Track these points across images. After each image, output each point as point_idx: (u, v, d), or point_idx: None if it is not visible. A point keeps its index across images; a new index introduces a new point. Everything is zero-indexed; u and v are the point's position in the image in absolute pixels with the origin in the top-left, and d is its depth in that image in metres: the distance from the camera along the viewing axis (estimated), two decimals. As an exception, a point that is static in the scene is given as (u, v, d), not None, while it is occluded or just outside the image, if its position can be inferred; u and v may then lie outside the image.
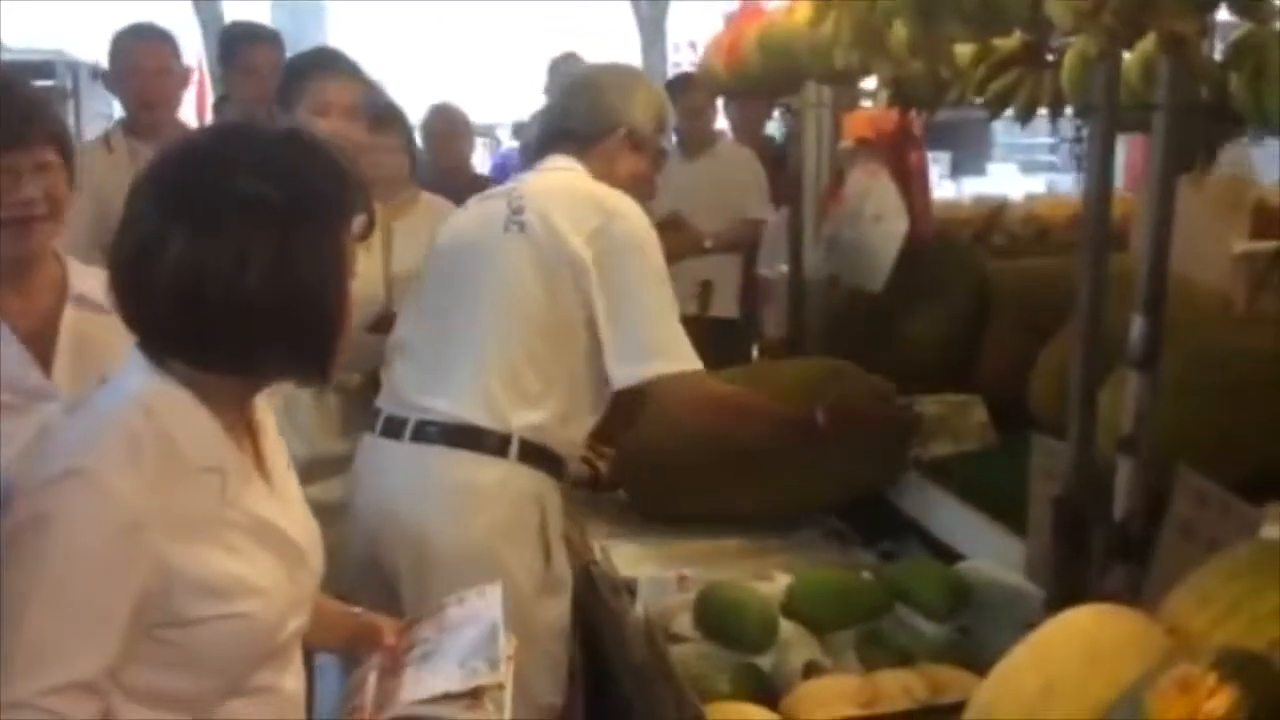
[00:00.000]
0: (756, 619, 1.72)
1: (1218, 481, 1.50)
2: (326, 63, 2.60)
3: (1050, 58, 1.91)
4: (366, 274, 2.67)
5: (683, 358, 2.01)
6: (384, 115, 2.86)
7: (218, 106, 3.74)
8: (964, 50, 2.01)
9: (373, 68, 2.76)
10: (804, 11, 2.05)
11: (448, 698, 1.35)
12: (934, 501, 2.23)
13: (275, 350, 1.27)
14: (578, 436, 2.11)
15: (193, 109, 8.02)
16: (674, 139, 4.77)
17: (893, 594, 1.81)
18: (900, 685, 1.57)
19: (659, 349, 2.00)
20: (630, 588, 2.00)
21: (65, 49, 10.38)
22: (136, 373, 1.27)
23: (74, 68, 10.07)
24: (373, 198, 2.55)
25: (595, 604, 2.18)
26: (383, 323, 2.43)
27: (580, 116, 2.18)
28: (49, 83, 9.87)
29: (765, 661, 1.69)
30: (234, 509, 1.28)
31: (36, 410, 1.55)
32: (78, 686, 1.17)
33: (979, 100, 2.01)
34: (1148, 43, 1.55)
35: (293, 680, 1.37)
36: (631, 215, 2.07)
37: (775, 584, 1.86)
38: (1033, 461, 1.82)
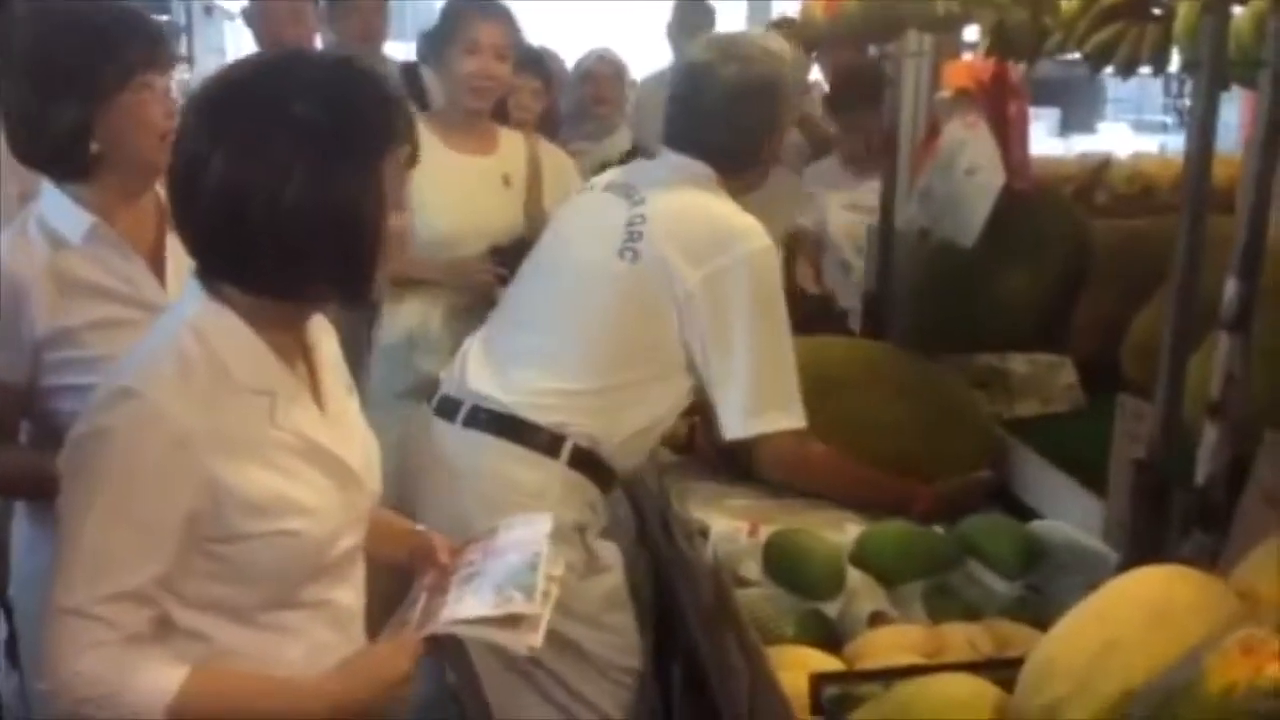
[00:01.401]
0: (823, 565, 1.72)
1: (1308, 451, 1.46)
2: (480, 4, 2.76)
3: (1158, 11, 1.85)
4: (506, 204, 2.78)
5: (783, 417, 1.98)
6: (526, 58, 3.02)
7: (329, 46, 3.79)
8: (1072, 1, 1.95)
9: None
10: (904, -43, 2.01)
11: (483, 621, 1.38)
12: (1017, 460, 2.20)
13: (314, 272, 1.31)
14: (637, 459, 2.10)
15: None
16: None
17: (963, 548, 1.80)
18: (965, 638, 1.57)
19: (764, 405, 1.97)
20: (703, 531, 2.01)
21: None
22: (191, 298, 1.34)
23: (187, 3, 10.23)
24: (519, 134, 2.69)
25: (669, 547, 2.20)
26: (507, 251, 2.56)
27: (733, 131, 2.06)
28: (164, 18, 10.08)
29: (831, 609, 1.70)
30: (283, 430, 1.33)
31: None
32: (129, 596, 1.25)
33: (1080, 53, 1.95)
34: (1261, -3, 1.50)
35: (348, 594, 1.43)
36: (757, 247, 1.99)
37: (845, 534, 1.86)
38: (1117, 423, 1.79)
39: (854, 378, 2.28)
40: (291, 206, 1.25)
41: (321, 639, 1.38)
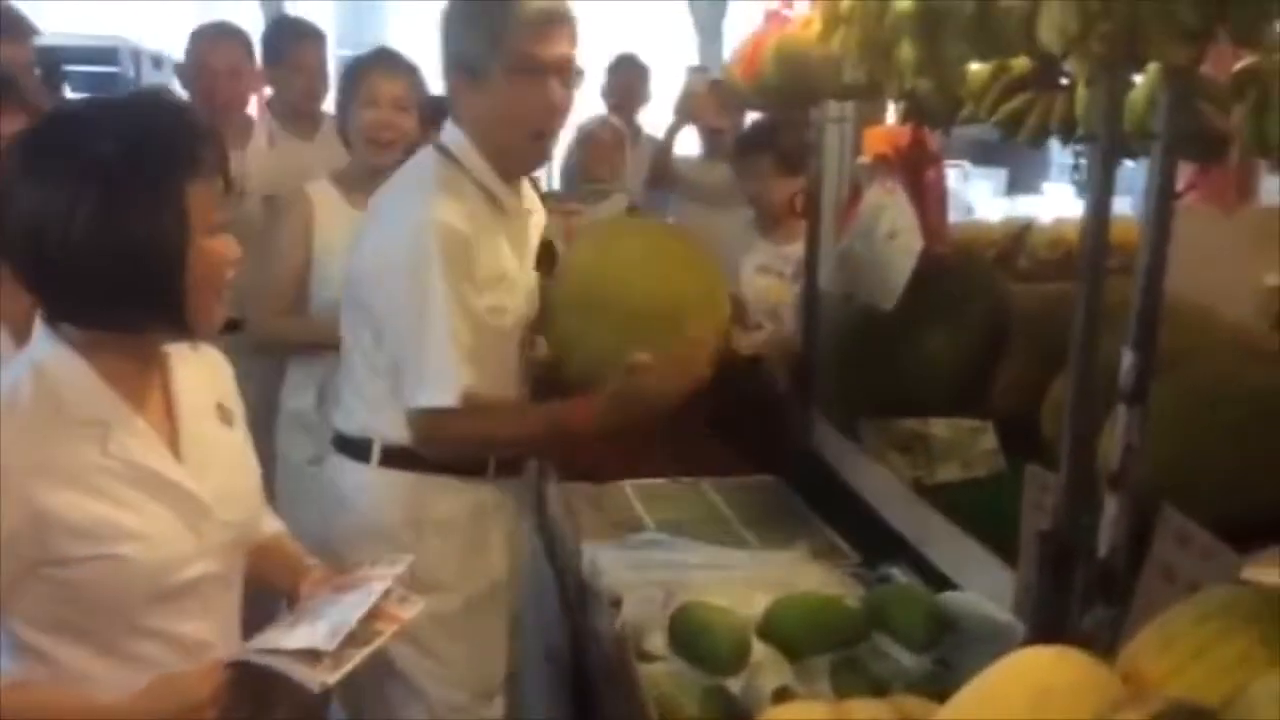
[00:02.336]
0: (728, 640, 1.69)
1: (1217, 523, 1.45)
2: (379, 59, 2.84)
3: (1065, 81, 1.87)
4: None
5: (438, 392, 1.91)
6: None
7: (269, 102, 3.78)
8: (981, 69, 1.97)
9: (431, 66, 2.87)
10: (817, 25, 2.02)
11: (282, 652, 1.39)
12: (933, 526, 2.19)
13: (117, 301, 1.35)
14: None
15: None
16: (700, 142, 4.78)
17: (872, 621, 1.78)
18: (871, 715, 1.53)
19: (423, 379, 1.92)
20: (615, 602, 1.97)
21: (127, 37, 10.54)
22: (38, 337, 1.39)
23: (136, 55, 10.22)
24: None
25: (581, 616, 2.17)
26: None
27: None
28: (112, 69, 10.03)
29: (736, 684, 1.67)
30: (114, 459, 1.36)
31: None
32: None
33: (991, 122, 1.97)
34: (1154, 68, 1.51)
35: (202, 625, 1.44)
36: (422, 221, 1.90)
37: (753, 606, 1.83)
38: (1025, 493, 1.78)
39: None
40: (79, 239, 1.30)
41: (174, 669, 1.39)
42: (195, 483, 1.44)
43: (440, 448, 1.98)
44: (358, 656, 1.41)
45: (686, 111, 4.49)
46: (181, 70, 3.63)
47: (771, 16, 2.48)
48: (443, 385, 1.88)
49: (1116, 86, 1.43)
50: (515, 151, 1.98)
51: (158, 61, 10.54)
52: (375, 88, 2.77)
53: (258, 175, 3.24)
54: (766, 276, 3.30)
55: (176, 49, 7.32)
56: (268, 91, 3.69)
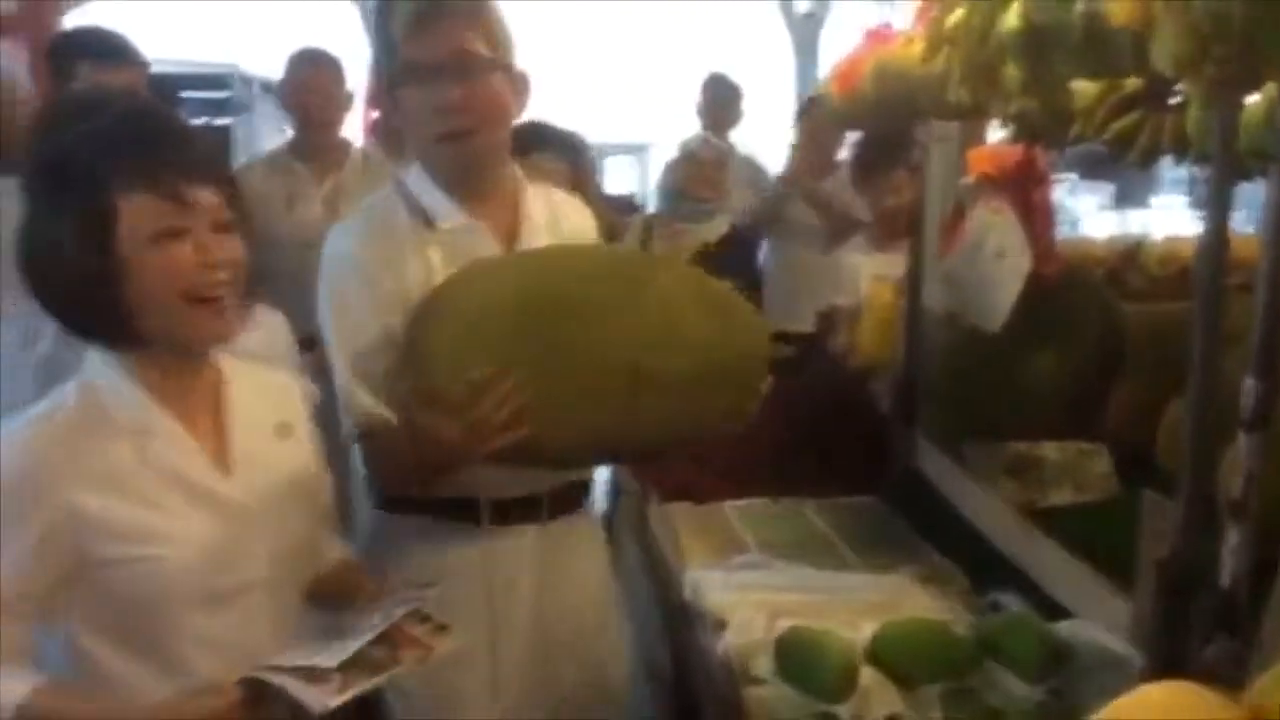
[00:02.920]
0: (837, 665, 1.68)
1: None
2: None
3: (1176, 99, 1.84)
4: None
5: (346, 420, 1.81)
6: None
7: (373, 127, 3.91)
8: (1089, 87, 1.94)
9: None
10: (919, 46, 2.01)
11: (289, 670, 1.38)
12: (1045, 552, 2.15)
13: (74, 317, 1.45)
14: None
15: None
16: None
17: (985, 649, 1.75)
18: (982, 746, 1.52)
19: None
20: (720, 624, 1.97)
21: (240, 64, 10.88)
22: (90, 352, 1.48)
23: (248, 82, 10.54)
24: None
25: (687, 635, 2.17)
26: None
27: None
28: (225, 94, 10.38)
29: (844, 710, 1.65)
30: (154, 466, 1.43)
31: None
32: None
33: (1101, 141, 1.94)
34: (1271, 87, 1.48)
35: (247, 635, 1.47)
36: (325, 255, 1.84)
37: (862, 631, 1.82)
38: (1142, 520, 1.74)
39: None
40: (28, 254, 1.41)
41: (216, 677, 1.41)
42: (239, 493, 1.48)
43: (375, 479, 1.90)
44: (369, 681, 1.39)
45: (682, 179, 4.23)
46: (280, 92, 3.77)
47: (870, 34, 2.46)
48: (346, 413, 1.80)
49: (1232, 108, 1.40)
50: (434, 159, 1.83)
51: (267, 86, 10.88)
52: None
53: (351, 196, 3.33)
54: (886, 283, 3.28)
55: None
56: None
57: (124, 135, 1.43)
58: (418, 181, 1.84)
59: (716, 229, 3.95)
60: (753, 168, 5.17)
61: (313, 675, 1.37)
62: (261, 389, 1.58)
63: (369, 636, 1.43)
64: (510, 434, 1.59)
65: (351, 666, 1.40)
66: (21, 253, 1.44)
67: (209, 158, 1.46)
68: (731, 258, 3.67)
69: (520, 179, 1.91)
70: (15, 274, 1.46)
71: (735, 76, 5.24)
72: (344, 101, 3.69)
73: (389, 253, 1.79)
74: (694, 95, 5.14)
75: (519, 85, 1.82)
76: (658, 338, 1.70)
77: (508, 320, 1.65)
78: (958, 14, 1.74)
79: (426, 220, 1.82)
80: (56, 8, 5.26)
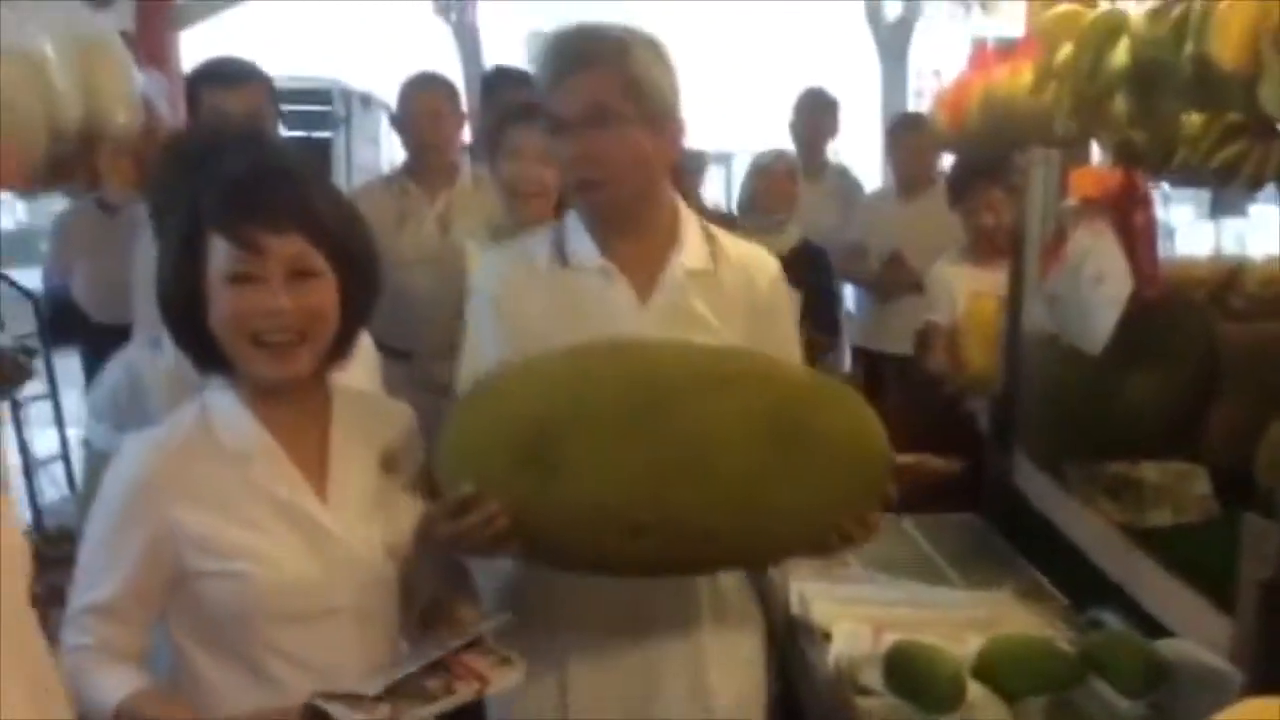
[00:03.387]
0: (945, 678, 1.75)
1: None
2: (524, 113, 2.77)
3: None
4: None
5: None
6: None
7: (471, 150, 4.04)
8: (1195, 116, 1.98)
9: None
10: (1026, 77, 2.06)
11: (337, 697, 1.43)
12: (1144, 571, 2.18)
13: (176, 341, 1.57)
14: None
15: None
16: (892, 180, 4.81)
17: (1088, 665, 1.80)
18: (1088, 759, 1.58)
19: None
20: (826, 636, 2.05)
21: (340, 78, 11.18)
22: (213, 379, 1.58)
23: (347, 96, 10.81)
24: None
25: (792, 648, 2.24)
26: None
27: None
28: (325, 108, 10.65)
29: (951, 722, 1.72)
30: (253, 488, 1.52)
31: None
32: (98, 609, 1.50)
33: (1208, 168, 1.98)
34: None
35: (335, 657, 1.53)
36: None
37: (967, 645, 1.88)
38: (1243, 541, 1.78)
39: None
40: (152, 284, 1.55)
41: (300, 690, 1.47)
42: (332, 519, 1.53)
43: None
44: (421, 711, 1.41)
45: (754, 193, 4.26)
46: (394, 117, 3.92)
47: (978, 63, 2.52)
48: None
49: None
50: (577, 205, 1.90)
51: (366, 101, 11.15)
52: (518, 139, 2.77)
53: (463, 215, 3.45)
54: (984, 300, 3.32)
55: (381, 89, 7.74)
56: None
57: (218, 178, 1.52)
58: (572, 220, 1.86)
59: (788, 241, 3.99)
60: (845, 179, 5.22)
61: (361, 703, 1.41)
62: (371, 421, 1.63)
63: (416, 666, 1.46)
64: (498, 549, 1.59)
65: (402, 696, 1.42)
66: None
67: (298, 206, 1.50)
68: (805, 268, 3.71)
69: (681, 226, 1.85)
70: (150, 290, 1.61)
71: (820, 82, 5.28)
72: (456, 123, 3.82)
73: (519, 287, 1.83)
74: (780, 102, 5.18)
75: (669, 135, 1.79)
76: (737, 512, 1.57)
77: (517, 450, 1.55)
78: (1066, 49, 1.80)
79: (563, 259, 1.83)
80: (168, 28, 5.49)
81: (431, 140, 3.70)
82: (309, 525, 1.53)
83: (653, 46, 1.78)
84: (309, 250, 1.49)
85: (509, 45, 14.65)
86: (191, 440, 1.53)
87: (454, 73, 11.99)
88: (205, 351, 1.52)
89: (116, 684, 1.47)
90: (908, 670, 1.78)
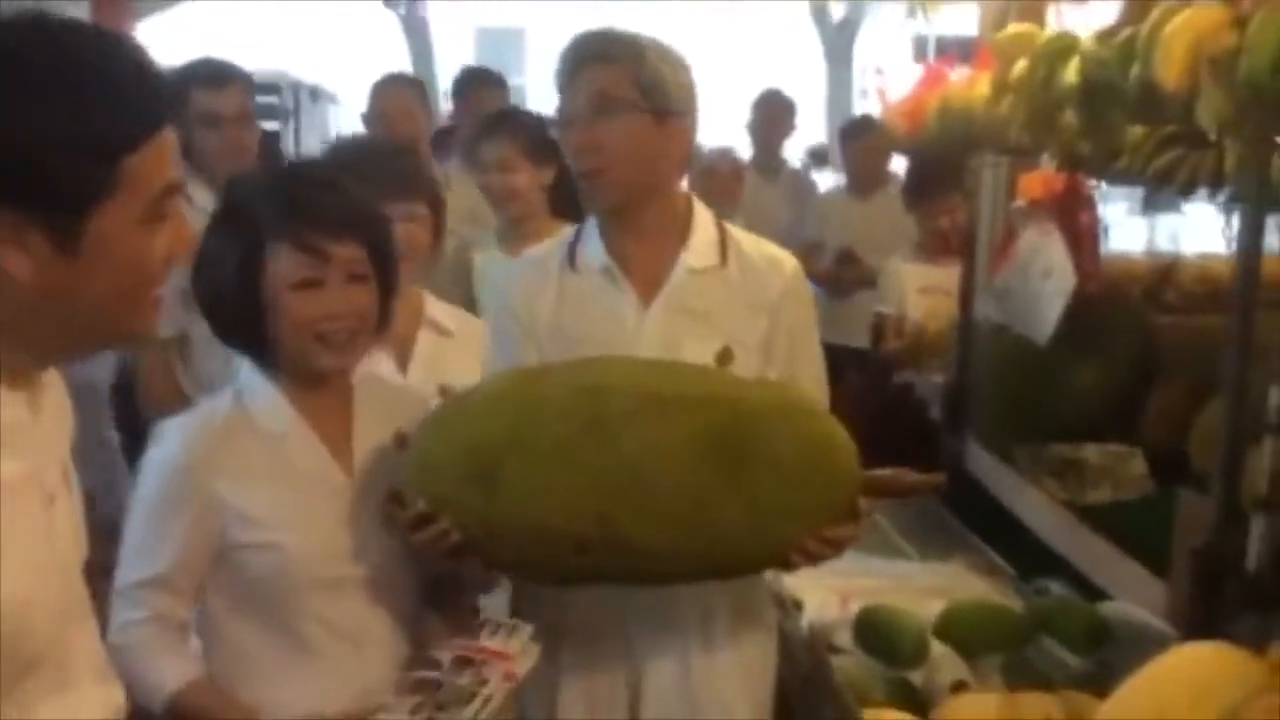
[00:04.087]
0: (911, 637, 1.92)
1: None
2: (483, 128, 3.07)
3: (1213, 137, 2.06)
4: None
5: None
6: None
7: (437, 139, 4.15)
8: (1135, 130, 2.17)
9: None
10: (981, 88, 2.24)
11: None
12: (1087, 543, 2.37)
13: (228, 339, 1.70)
14: None
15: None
16: (844, 179, 5.01)
17: (1038, 626, 1.98)
18: (1040, 707, 1.74)
19: None
20: (798, 604, 2.21)
21: (288, 70, 11.17)
22: (243, 365, 1.71)
23: (295, 88, 10.81)
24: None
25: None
26: None
27: None
28: (273, 99, 10.62)
29: (917, 677, 1.89)
30: (286, 464, 1.65)
31: None
32: (152, 582, 1.62)
33: (1145, 176, 2.16)
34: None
35: (364, 620, 1.67)
36: None
37: (929, 609, 2.05)
38: (1178, 514, 1.97)
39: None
40: (196, 273, 1.68)
41: (333, 652, 1.64)
42: (356, 493, 1.66)
43: None
44: (469, 710, 1.51)
45: (700, 192, 4.48)
46: (365, 116, 4.02)
47: (932, 73, 2.69)
48: None
49: (1266, 157, 1.63)
50: (586, 200, 1.96)
51: (314, 93, 11.17)
52: (486, 152, 3.00)
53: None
54: (931, 296, 3.51)
55: (330, 82, 7.78)
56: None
57: (282, 191, 1.66)
58: (588, 225, 1.89)
59: None
60: (799, 179, 5.40)
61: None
62: (389, 404, 1.77)
63: (438, 671, 1.56)
64: (457, 560, 1.65)
65: (441, 703, 1.51)
66: (194, 268, 1.67)
67: (356, 215, 1.65)
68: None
69: (692, 226, 1.87)
70: None
71: (764, 79, 5.43)
72: (425, 120, 3.93)
73: (532, 293, 1.86)
74: (726, 100, 5.34)
75: (678, 132, 1.80)
76: (682, 531, 1.61)
77: (462, 469, 1.61)
78: (1020, 66, 1.97)
79: (572, 262, 1.86)
80: (124, 21, 5.52)
81: (403, 138, 3.81)
82: (338, 499, 1.66)
83: (666, 48, 1.82)
84: (361, 255, 1.63)
85: (458, 39, 14.71)
86: (230, 422, 1.66)
87: (403, 65, 12.06)
88: (255, 346, 1.65)
89: (174, 669, 1.59)
90: (875, 630, 1.95)
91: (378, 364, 2.00)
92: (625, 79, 1.76)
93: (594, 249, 1.86)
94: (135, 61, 1.06)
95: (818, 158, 5.84)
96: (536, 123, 3.10)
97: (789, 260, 1.91)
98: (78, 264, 1.04)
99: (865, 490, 1.71)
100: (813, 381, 1.90)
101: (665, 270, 1.83)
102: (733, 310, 1.83)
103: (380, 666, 1.67)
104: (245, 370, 1.70)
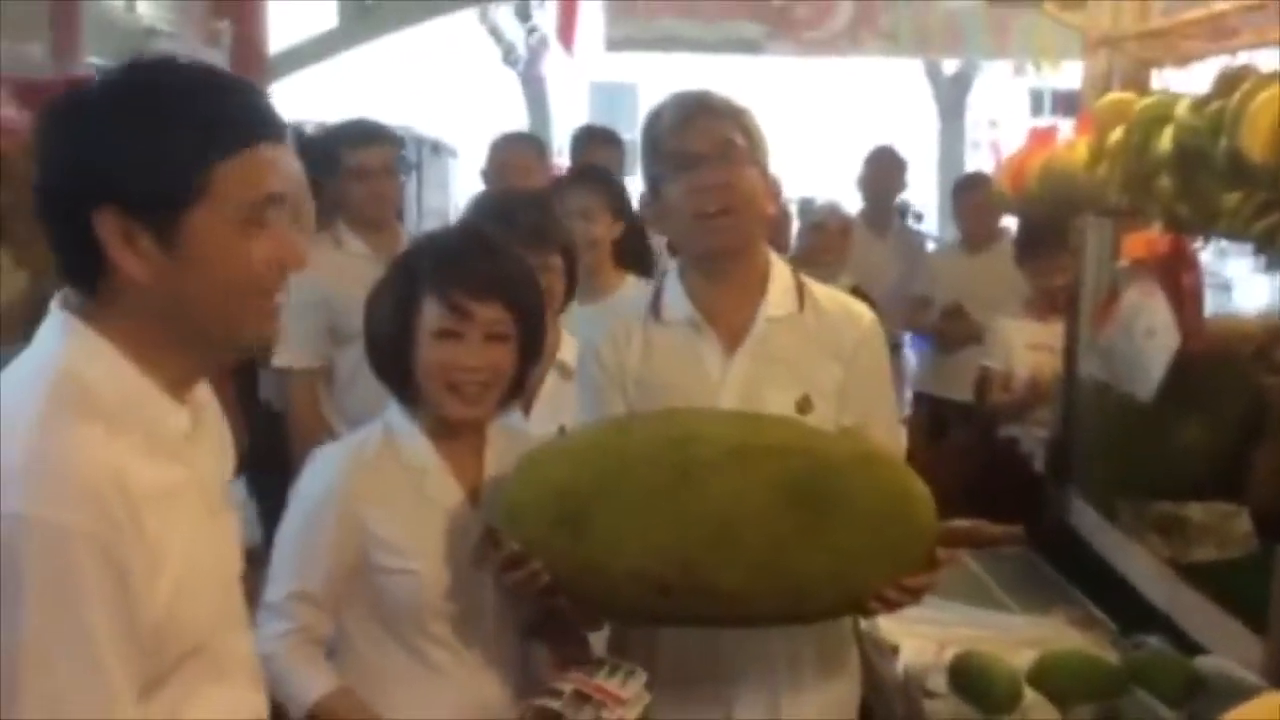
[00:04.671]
0: (1005, 682, 1.97)
1: None
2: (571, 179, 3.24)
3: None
4: None
5: None
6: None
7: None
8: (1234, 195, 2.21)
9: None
10: (1081, 151, 2.31)
11: None
12: (1187, 600, 2.39)
13: (381, 378, 1.86)
14: None
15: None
16: (957, 234, 5.05)
17: (1132, 678, 2.02)
18: (1131, 756, 1.79)
19: None
20: (894, 649, 2.28)
21: (411, 125, 11.58)
22: (391, 401, 1.85)
23: (419, 143, 11.21)
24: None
25: (861, 662, 2.46)
26: None
27: None
28: (400, 153, 10.96)
29: (1009, 722, 1.95)
30: (426, 498, 1.80)
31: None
32: (304, 596, 1.77)
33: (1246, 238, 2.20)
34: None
35: (485, 649, 1.80)
36: None
37: (1022, 657, 2.10)
38: (1277, 570, 1.99)
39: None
40: (366, 316, 1.89)
41: (455, 673, 1.78)
42: (484, 528, 1.78)
43: None
44: None
45: (808, 247, 4.50)
46: (484, 171, 4.23)
47: (1040, 134, 2.76)
48: None
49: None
50: (689, 243, 1.98)
51: (435, 147, 11.58)
52: (567, 201, 3.05)
53: None
54: (1038, 352, 3.55)
55: (450, 137, 8.10)
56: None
57: (441, 248, 1.84)
58: (670, 276, 1.98)
59: (839, 288, 4.23)
60: (911, 235, 5.46)
61: None
62: (511, 445, 1.90)
63: (559, 702, 1.65)
64: (547, 600, 1.75)
65: None
66: (365, 308, 1.86)
67: (504, 278, 1.78)
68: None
69: (770, 277, 1.93)
70: None
71: (876, 132, 5.49)
72: (542, 177, 4.12)
73: (619, 341, 1.95)
74: (838, 153, 5.44)
75: (772, 186, 1.92)
76: (764, 578, 1.68)
77: (551, 514, 1.69)
78: (1118, 132, 2.04)
79: (657, 313, 1.94)
80: (261, 81, 5.87)
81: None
82: (468, 534, 1.80)
83: (754, 118, 1.92)
84: (504, 316, 1.76)
85: (573, 94, 15.09)
86: (379, 454, 1.81)
87: (520, 120, 12.39)
88: (402, 385, 1.80)
89: (317, 678, 1.75)
90: (970, 675, 2.01)
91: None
92: (738, 131, 1.86)
93: (677, 300, 1.93)
94: (222, 87, 1.23)
95: (900, 212, 5.92)
96: (617, 181, 3.30)
97: (865, 312, 1.98)
98: (180, 263, 1.19)
99: (944, 540, 1.77)
100: (886, 430, 1.97)
101: (748, 319, 1.90)
102: (810, 357, 1.90)
103: (496, 690, 1.80)
104: (393, 408, 1.85)
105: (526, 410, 2.30)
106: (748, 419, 1.79)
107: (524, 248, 2.04)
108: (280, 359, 3.19)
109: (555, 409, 2.26)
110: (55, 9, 4.00)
